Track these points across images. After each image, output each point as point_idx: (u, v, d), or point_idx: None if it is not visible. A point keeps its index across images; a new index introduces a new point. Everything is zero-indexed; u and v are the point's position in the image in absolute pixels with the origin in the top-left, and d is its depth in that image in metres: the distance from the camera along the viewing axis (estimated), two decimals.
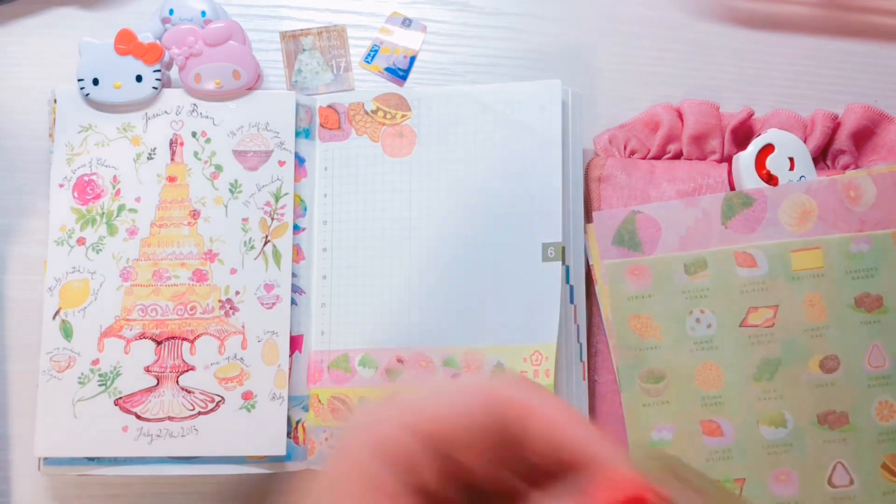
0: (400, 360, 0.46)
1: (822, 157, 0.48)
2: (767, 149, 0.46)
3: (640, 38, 0.53)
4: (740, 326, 0.45)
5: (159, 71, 0.48)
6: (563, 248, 0.45)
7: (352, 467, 0.24)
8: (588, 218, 0.48)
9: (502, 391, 0.26)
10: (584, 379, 0.46)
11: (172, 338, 0.46)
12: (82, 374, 0.46)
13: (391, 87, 0.50)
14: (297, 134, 0.49)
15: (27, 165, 0.50)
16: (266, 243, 0.47)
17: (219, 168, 0.48)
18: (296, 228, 0.48)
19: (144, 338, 0.46)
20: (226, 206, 0.47)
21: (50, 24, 0.52)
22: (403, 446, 0.24)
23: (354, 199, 0.48)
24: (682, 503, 0.24)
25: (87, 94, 0.47)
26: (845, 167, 0.48)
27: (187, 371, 0.46)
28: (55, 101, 0.48)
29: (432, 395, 0.26)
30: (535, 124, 0.47)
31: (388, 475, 0.24)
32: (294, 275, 0.47)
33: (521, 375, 0.28)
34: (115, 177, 0.47)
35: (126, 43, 0.48)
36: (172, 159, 0.48)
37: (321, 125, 0.50)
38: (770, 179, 0.46)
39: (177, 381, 0.46)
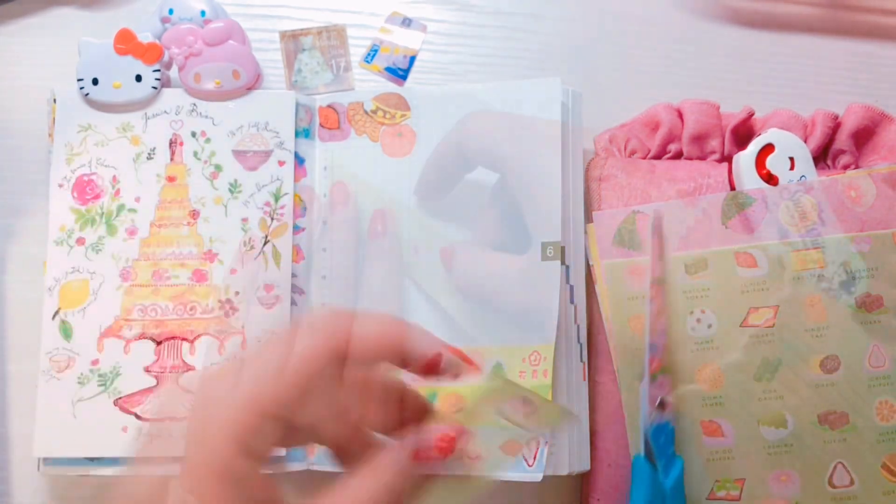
0: None
1: (823, 156, 0.48)
2: (768, 148, 0.46)
3: (640, 38, 0.53)
4: (741, 326, 0.45)
5: (159, 70, 0.48)
6: (563, 248, 0.45)
7: (210, 455, 0.26)
8: (588, 218, 0.48)
9: (326, 343, 0.27)
10: (584, 379, 0.46)
11: (172, 338, 0.46)
12: (82, 374, 0.45)
13: (391, 87, 0.50)
14: (297, 134, 0.49)
15: (26, 165, 0.50)
16: (266, 243, 0.47)
17: (218, 168, 0.48)
18: (295, 228, 0.48)
19: (144, 338, 0.46)
20: (225, 206, 0.47)
21: (49, 23, 0.52)
22: (253, 428, 0.26)
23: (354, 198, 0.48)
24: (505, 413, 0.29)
25: (87, 94, 0.47)
26: (846, 167, 0.48)
27: (187, 371, 0.46)
28: (54, 100, 0.48)
29: (269, 367, 0.27)
30: (535, 123, 0.47)
31: (241, 459, 0.25)
32: (294, 275, 0.47)
33: (331, 310, 0.31)
34: (114, 177, 0.47)
35: (125, 42, 0.48)
36: (172, 159, 0.48)
37: (321, 125, 0.50)
38: (770, 179, 0.46)
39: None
